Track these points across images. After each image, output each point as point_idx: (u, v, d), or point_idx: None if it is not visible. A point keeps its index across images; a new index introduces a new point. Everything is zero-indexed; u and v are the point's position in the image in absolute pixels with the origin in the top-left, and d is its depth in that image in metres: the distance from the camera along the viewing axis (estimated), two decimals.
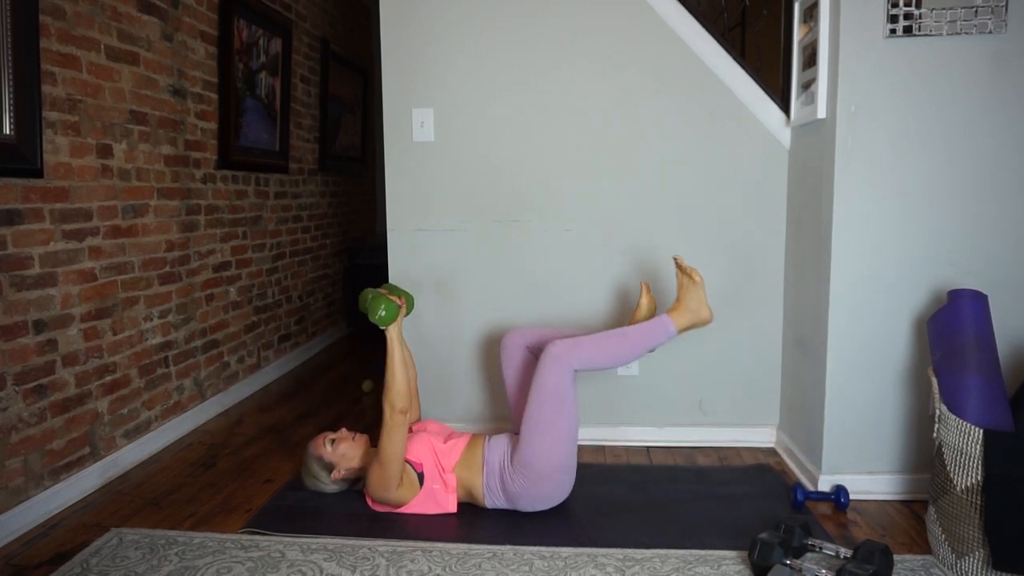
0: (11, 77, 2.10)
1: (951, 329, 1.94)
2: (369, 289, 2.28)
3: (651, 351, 2.31)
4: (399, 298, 2.24)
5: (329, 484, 2.36)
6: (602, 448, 2.85)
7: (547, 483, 2.16)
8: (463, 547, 2.04)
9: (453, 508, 2.25)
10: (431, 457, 2.24)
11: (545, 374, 2.15)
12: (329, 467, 2.34)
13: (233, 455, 2.80)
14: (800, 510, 2.27)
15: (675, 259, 2.29)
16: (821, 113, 2.33)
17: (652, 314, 2.41)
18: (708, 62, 2.71)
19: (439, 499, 2.23)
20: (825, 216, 2.33)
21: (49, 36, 2.28)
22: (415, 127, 2.81)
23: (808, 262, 2.51)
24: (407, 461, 2.22)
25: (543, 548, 2.03)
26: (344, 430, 2.38)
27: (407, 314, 2.38)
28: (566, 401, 2.15)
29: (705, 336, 2.82)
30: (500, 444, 2.27)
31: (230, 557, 1.99)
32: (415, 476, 2.21)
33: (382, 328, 2.21)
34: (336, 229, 5.04)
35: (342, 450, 2.32)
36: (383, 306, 2.18)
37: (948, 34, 2.16)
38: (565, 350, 2.15)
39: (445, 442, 2.31)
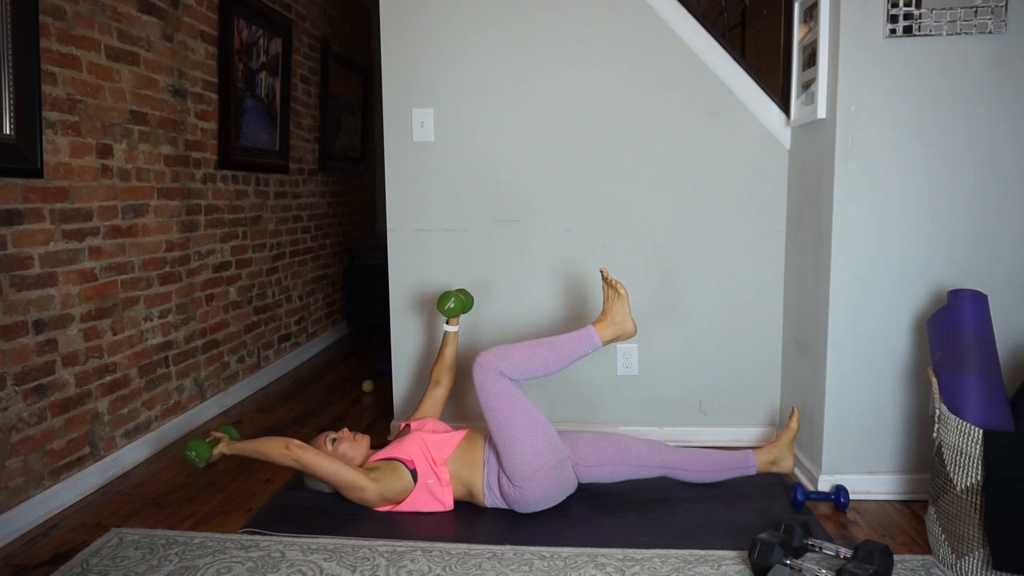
0: (11, 77, 2.10)
1: (951, 329, 1.94)
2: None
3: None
4: (210, 436, 2.31)
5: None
6: None
7: (535, 483, 2.16)
8: (463, 547, 2.04)
9: (450, 503, 2.25)
10: (421, 453, 2.25)
11: (479, 386, 2.16)
12: None
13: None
14: (800, 510, 2.27)
15: (601, 271, 2.30)
16: (821, 113, 2.33)
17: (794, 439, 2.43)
18: (708, 62, 2.71)
19: (435, 493, 2.24)
20: (825, 216, 2.33)
21: (49, 36, 2.28)
22: (415, 127, 2.81)
23: (808, 262, 2.51)
24: (399, 460, 2.23)
25: (543, 548, 2.03)
26: (345, 430, 2.38)
27: (465, 312, 2.63)
28: (514, 403, 2.15)
29: (705, 336, 2.83)
30: None
31: (230, 557, 1.99)
32: (407, 472, 2.22)
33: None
34: (336, 229, 5.04)
35: (342, 449, 2.32)
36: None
37: (948, 34, 2.16)
38: (488, 358, 2.16)
39: (439, 436, 2.32)
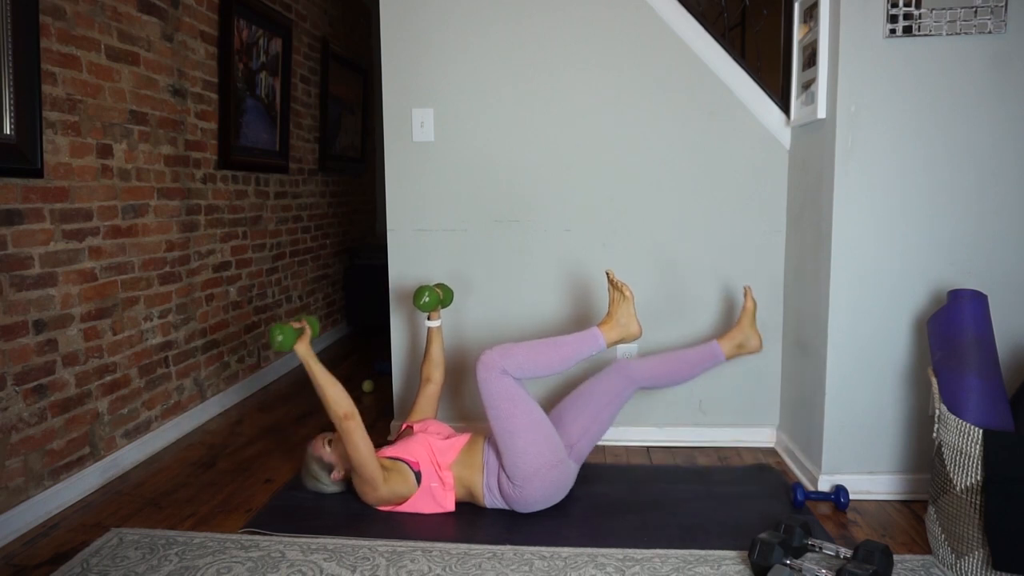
0: (11, 77, 2.10)
1: (951, 329, 1.94)
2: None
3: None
4: (296, 322, 2.21)
5: (329, 485, 2.36)
6: (602, 448, 2.85)
7: (536, 483, 2.16)
8: (463, 547, 2.04)
9: (451, 506, 2.25)
10: (427, 455, 2.25)
11: (482, 383, 2.15)
12: (329, 468, 2.34)
13: (233, 455, 2.80)
14: (800, 510, 2.27)
15: (607, 273, 2.30)
16: (821, 113, 2.33)
17: (754, 316, 2.45)
18: (708, 62, 2.71)
19: (437, 497, 2.24)
20: (825, 216, 2.33)
21: (49, 36, 2.28)
22: (415, 127, 2.81)
23: (808, 262, 2.51)
24: (404, 461, 2.23)
25: (543, 548, 2.03)
26: None
27: (445, 306, 2.61)
28: (516, 401, 2.14)
29: (705, 336, 2.82)
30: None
31: (230, 557, 1.99)
32: (411, 474, 2.22)
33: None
34: (336, 229, 5.04)
35: (341, 450, 2.32)
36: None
37: (948, 34, 2.16)
38: (493, 357, 2.15)
39: (444, 440, 2.31)
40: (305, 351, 2.17)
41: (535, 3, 2.73)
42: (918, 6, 2.16)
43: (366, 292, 4.98)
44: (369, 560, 1.97)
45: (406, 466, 2.22)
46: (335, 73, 4.88)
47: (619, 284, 2.26)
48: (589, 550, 2.02)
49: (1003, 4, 2.13)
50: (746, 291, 2.45)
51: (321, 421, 3.22)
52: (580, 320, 2.85)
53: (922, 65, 2.20)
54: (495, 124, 2.80)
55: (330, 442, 2.34)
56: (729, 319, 2.81)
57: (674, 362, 2.39)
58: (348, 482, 2.37)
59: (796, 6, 2.57)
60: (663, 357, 2.40)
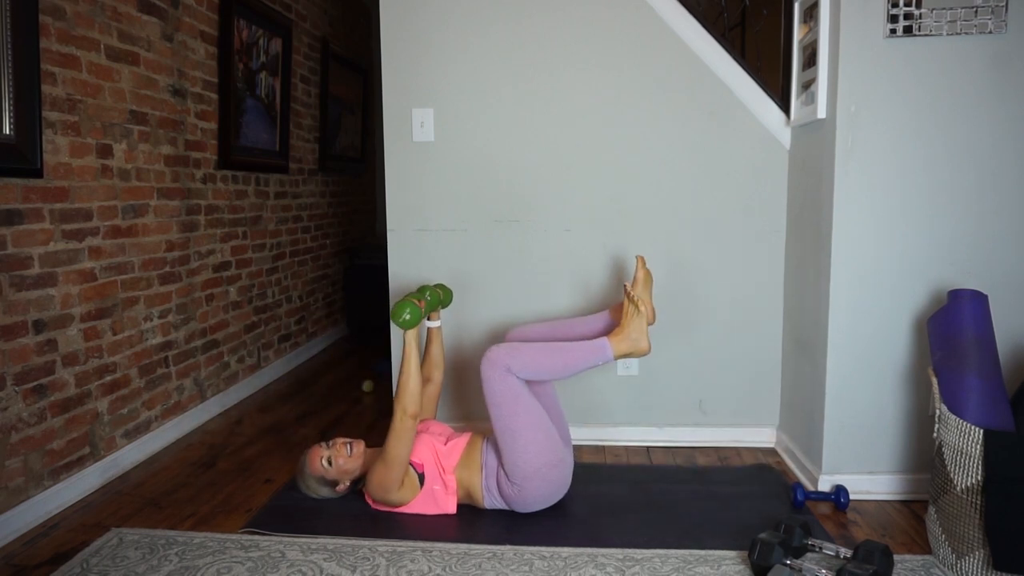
0: (11, 77, 2.10)
1: (951, 329, 1.94)
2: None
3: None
4: (419, 300, 2.24)
5: (333, 495, 2.34)
6: (602, 448, 2.85)
7: (536, 482, 2.16)
8: (463, 547, 2.04)
9: (452, 509, 2.24)
10: (432, 458, 2.24)
11: (485, 380, 2.15)
12: (333, 484, 2.31)
13: (233, 455, 2.80)
14: (800, 510, 2.27)
15: (625, 287, 2.30)
16: (821, 113, 2.33)
17: (648, 286, 2.39)
18: (708, 62, 2.71)
19: (439, 500, 2.23)
20: (825, 216, 2.33)
21: (49, 36, 2.28)
22: (415, 127, 2.81)
23: (808, 262, 2.51)
24: (410, 463, 2.22)
25: (543, 548, 2.03)
26: (339, 443, 2.31)
27: (445, 306, 2.54)
28: (518, 400, 2.14)
29: (705, 336, 2.83)
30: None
31: (230, 557, 1.99)
32: (416, 477, 2.21)
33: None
34: (336, 229, 5.04)
35: (341, 465, 2.28)
36: (407, 310, 2.29)
37: (948, 34, 2.16)
38: (498, 355, 2.14)
39: (446, 443, 2.31)
40: (413, 336, 2.18)
41: (535, 3, 2.73)
42: (918, 6, 2.16)
43: (366, 292, 4.97)
44: (369, 560, 1.97)
45: (412, 469, 2.22)
46: (335, 73, 4.88)
47: (636, 299, 2.24)
48: (589, 550, 2.02)
49: (1003, 4, 2.13)
50: (639, 261, 2.39)
51: (321, 421, 3.22)
52: None
53: (922, 65, 2.20)
54: (495, 124, 2.80)
55: (329, 460, 2.28)
56: (730, 318, 2.81)
57: (564, 329, 2.43)
58: (350, 488, 2.35)
59: (796, 6, 2.58)
60: (553, 324, 2.45)
